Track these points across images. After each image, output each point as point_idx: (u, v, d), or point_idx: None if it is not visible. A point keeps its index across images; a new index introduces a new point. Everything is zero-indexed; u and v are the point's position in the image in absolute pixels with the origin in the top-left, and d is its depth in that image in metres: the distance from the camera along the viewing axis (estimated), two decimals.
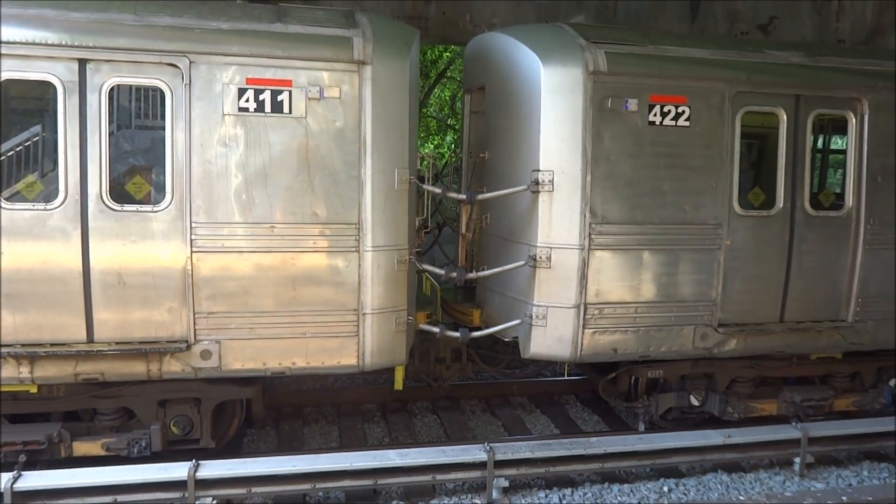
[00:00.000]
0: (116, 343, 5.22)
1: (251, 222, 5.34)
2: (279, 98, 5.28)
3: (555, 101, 5.88)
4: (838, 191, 6.85)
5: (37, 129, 5.30)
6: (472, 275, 6.41)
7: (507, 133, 6.48)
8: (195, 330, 5.31)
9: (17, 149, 5.20)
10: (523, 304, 6.17)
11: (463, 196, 6.39)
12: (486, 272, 6.36)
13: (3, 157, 5.02)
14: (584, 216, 5.90)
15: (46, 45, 4.93)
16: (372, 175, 5.49)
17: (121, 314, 5.21)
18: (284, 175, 5.36)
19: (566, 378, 8.78)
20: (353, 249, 5.54)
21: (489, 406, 8.17)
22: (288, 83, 5.30)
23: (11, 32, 4.89)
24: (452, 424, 7.54)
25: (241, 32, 5.27)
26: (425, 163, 6.59)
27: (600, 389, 7.18)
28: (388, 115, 5.54)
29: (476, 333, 6.40)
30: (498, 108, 6.70)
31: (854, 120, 6.53)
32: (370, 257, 5.57)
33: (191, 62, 5.12)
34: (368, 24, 5.61)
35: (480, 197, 6.37)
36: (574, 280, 5.97)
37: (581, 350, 6.11)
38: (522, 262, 6.03)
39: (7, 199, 4.96)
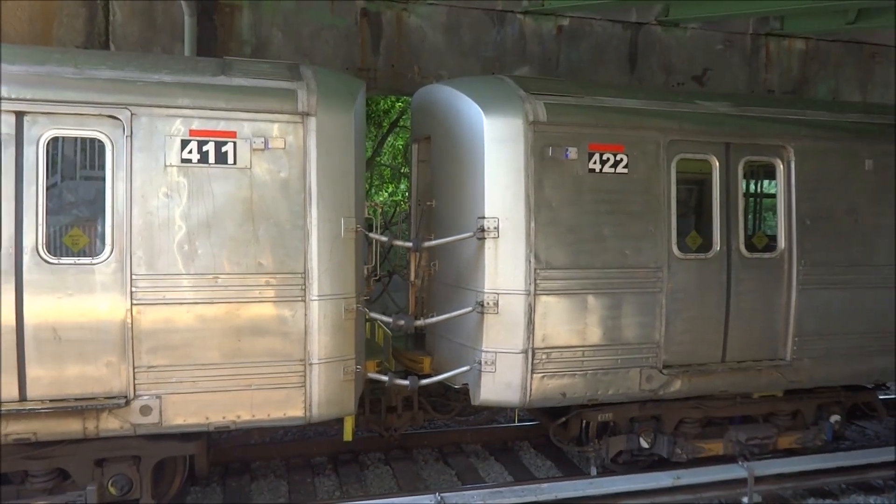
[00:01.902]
0: (51, 401, 5.03)
1: (194, 273, 5.27)
2: (223, 149, 5.30)
3: (498, 150, 6.04)
4: (771, 233, 7.14)
5: None
6: (421, 322, 6.41)
7: (453, 181, 6.61)
8: (135, 385, 5.16)
9: None
10: (472, 350, 6.19)
11: (410, 244, 6.45)
12: (435, 319, 6.37)
13: None
14: (529, 262, 6.00)
15: None
16: (318, 224, 5.51)
17: (56, 370, 5.04)
18: (229, 225, 5.34)
19: (519, 424, 8.76)
20: (300, 299, 5.51)
21: (442, 455, 8.09)
22: (232, 134, 5.33)
23: None
24: (405, 474, 7.42)
25: (185, 85, 5.30)
26: (375, 211, 6.65)
27: (552, 434, 7.19)
28: (333, 165, 5.60)
29: (425, 381, 6.38)
30: (444, 157, 6.84)
31: (781, 166, 6.86)
32: (316, 306, 5.54)
33: (132, 114, 5.11)
34: (313, 77, 5.71)
35: (427, 244, 6.44)
36: (521, 325, 6.03)
37: (530, 395, 6.13)
38: (470, 308, 6.08)
39: None
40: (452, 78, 8.39)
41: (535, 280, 6.02)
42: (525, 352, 6.05)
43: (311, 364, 5.57)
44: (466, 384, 6.32)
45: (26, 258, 4.94)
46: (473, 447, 8.32)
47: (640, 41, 10.36)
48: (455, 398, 7.70)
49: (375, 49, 9.40)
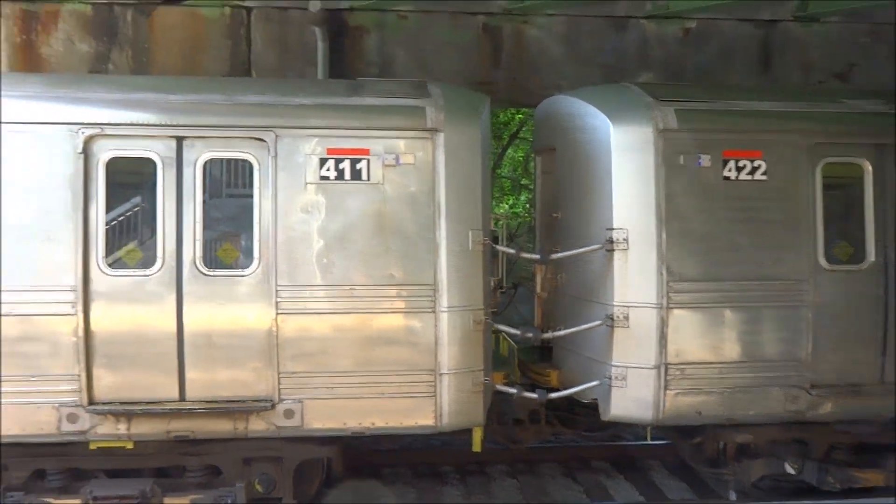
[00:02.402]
0: (206, 402, 5.45)
1: (331, 284, 5.55)
2: (358, 166, 5.55)
3: (626, 159, 5.92)
4: None
5: (137, 200, 5.73)
6: (548, 335, 6.37)
7: (579, 192, 6.53)
8: (279, 389, 5.49)
9: (120, 219, 5.63)
10: (601, 364, 6.07)
11: (536, 256, 6.43)
12: (562, 332, 6.31)
13: (107, 228, 5.45)
14: (661, 274, 5.82)
15: (147, 125, 5.41)
16: (447, 237, 5.64)
17: (210, 374, 5.47)
18: (362, 239, 5.58)
19: (649, 442, 8.45)
20: (429, 310, 5.65)
21: (569, 470, 7.95)
22: (366, 152, 5.58)
23: (116, 115, 5.41)
24: (531, 488, 7.37)
25: (322, 107, 5.64)
26: (499, 224, 6.70)
27: (685, 454, 6.89)
28: (460, 179, 5.71)
29: (554, 395, 6.33)
30: (569, 168, 6.78)
31: None
32: (446, 317, 5.66)
33: (276, 136, 5.48)
34: (440, 94, 5.87)
35: (554, 256, 6.40)
36: (653, 340, 5.85)
37: (663, 412, 5.92)
38: (599, 322, 5.97)
39: (111, 266, 5.36)
40: (572, 88, 8.32)
41: (668, 293, 5.82)
42: (658, 367, 5.85)
43: (440, 374, 5.69)
44: (595, 399, 6.19)
45: (185, 270, 5.40)
46: (601, 464, 8.12)
47: (774, 39, 9.77)
48: (582, 412, 7.56)
49: (496, 62, 9.48)
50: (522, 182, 18.01)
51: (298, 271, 5.51)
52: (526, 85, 9.51)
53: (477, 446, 6.61)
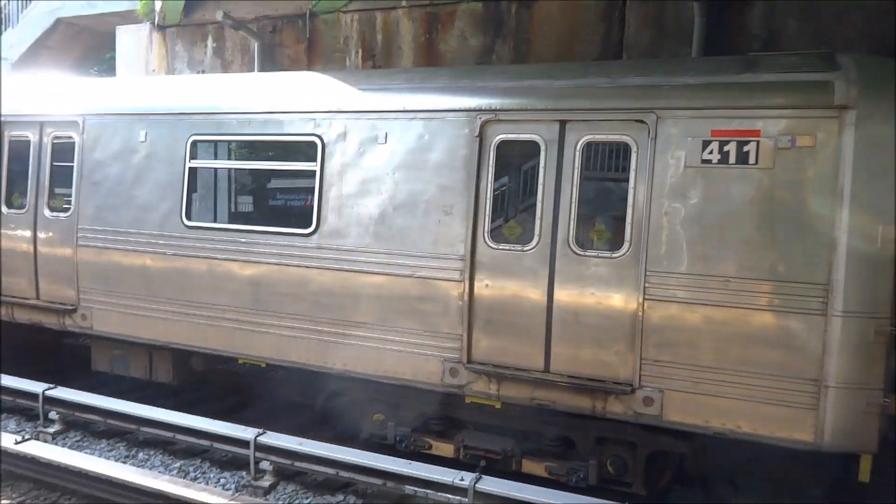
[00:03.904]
0: (568, 376, 5.66)
1: (704, 274, 5.24)
2: (745, 149, 5.12)
3: None
4: None
5: (519, 180, 6.15)
6: None
7: None
8: (640, 375, 5.42)
9: (504, 198, 6.11)
10: None
11: None
12: None
13: (493, 205, 5.97)
14: None
15: (535, 109, 5.75)
16: (849, 231, 4.88)
17: (574, 350, 5.65)
18: (744, 228, 5.14)
19: None
20: (819, 312, 4.97)
21: None
22: (756, 133, 5.10)
23: (508, 102, 5.85)
24: None
25: (709, 86, 5.30)
26: None
27: None
28: (872, 165, 4.87)
29: None
30: None
31: None
32: (839, 323, 4.92)
33: (658, 117, 5.34)
34: (853, 66, 5.06)
35: None
36: None
37: None
38: None
39: (494, 239, 5.87)
40: None
41: None
42: None
43: (826, 386, 4.99)
44: None
45: (559, 248, 5.64)
46: None
47: None
48: None
49: None
50: None
51: (670, 257, 5.33)
52: None
53: (865, 475, 5.67)
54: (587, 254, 5.58)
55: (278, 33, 11.80)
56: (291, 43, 11.72)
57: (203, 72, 12.41)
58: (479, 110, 5.88)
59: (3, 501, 5.92)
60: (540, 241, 5.70)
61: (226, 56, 12.53)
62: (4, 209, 8.23)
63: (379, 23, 10.83)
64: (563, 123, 5.65)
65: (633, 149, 5.46)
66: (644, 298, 5.38)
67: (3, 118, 8.26)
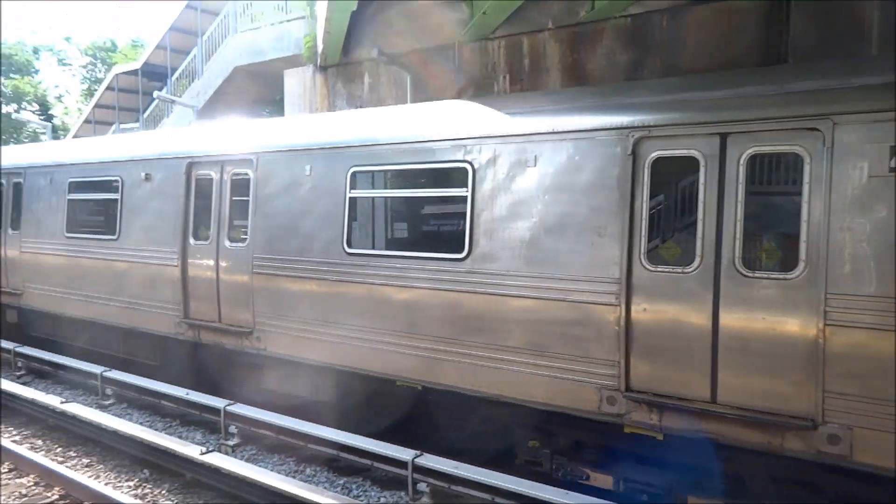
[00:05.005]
0: (737, 408, 5.24)
1: (888, 296, 4.66)
2: None
3: None
4: None
5: (676, 199, 5.84)
6: None
7: None
8: (823, 410, 4.89)
9: (660, 217, 5.83)
10: None
11: None
12: None
13: (649, 225, 5.70)
14: None
15: (691, 123, 5.45)
16: None
17: (743, 379, 5.22)
18: None
19: None
20: None
21: None
22: None
23: (662, 117, 5.60)
24: None
25: (893, 86, 4.74)
26: None
27: None
28: None
29: None
30: None
31: None
32: None
33: (834, 124, 4.86)
34: None
35: None
36: None
37: None
38: None
39: (651, 261, 5.61)
40: None
41: None
42: None
43: None
44: None
45: (723, 270, 5.27)
46: None
47: None
48: None
49: None
50: None
51: (854, 278, 4.78)
52: None
53: None
54: (755, 275, 5.16)
55: (429, 65, 12.26)
56: (441, 73, 12.12)
57: (360, 106, 13.16)
58: (632, 127, 5.69)
59: None
60: (702, 262, 5.36)
61: (381, 91, 13.21)
62: (192, 240, 9.16)
63: (525, 47, 10.91)
64: (723, 136, 5.31)
65: (806, 160, 5.00)
66: (825, 324, 4.87)
67: (191, 159, 9.24)
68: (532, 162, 6.23)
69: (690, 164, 5.49)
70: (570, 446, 6.49)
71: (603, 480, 6.21)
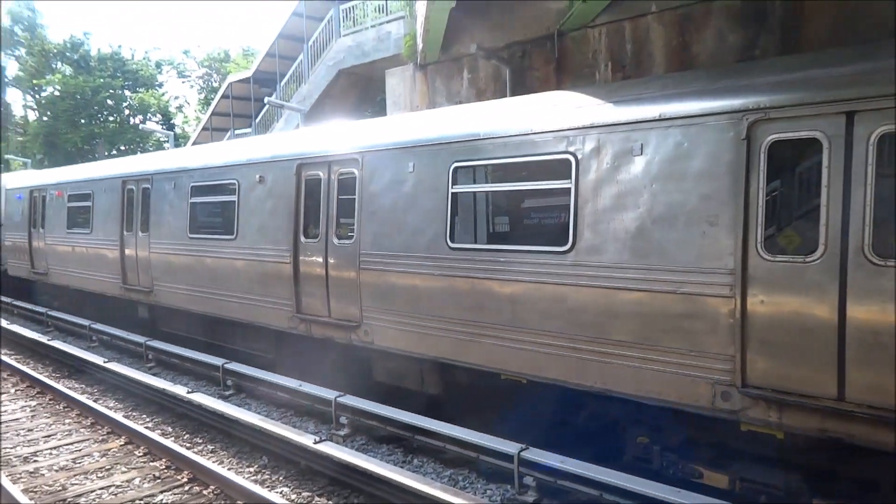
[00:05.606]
0: (868, 406, 4.87)
1: None
2: None
3: None
4: None
5: (795, 184, 5.50)
6: None
7: None
8: None
9: (778, 204, 5.50)
10: None
11: None
12: None
13: (766, 213, 5.40)
14: None
15: (813, 103, 5.11)
16: None
17: (875, 376, 4.85)
18: None
19: None
20: None
21: None
22: None
23: (780, 98, 5.28)
24: None
25: None
26: None
27: None
28: None
29: None
30: None
31: None
32: None
33: None
34: None
35: None
36: None
37: None
38: None
39: (768, 251, 5.31)
40: None
41: None
42: None
43: None
44: None
45: (851, 258, 4.91)
46: None
47: None
48: None
49: None
50: None
51: None
52: None
53: None
54: (889, 263, 4.78)
55: (527, 57, 12.16)
56: (540, 65, 12.00)
57: (460, 102, 13.25)
58: (746, 110, 5.40)
59: (303, 493, 6.80)
60: (826, 250, 5.02)
61: (480, 85, 13.24)
62: (303, 238, 9.57)
63: (628, 32, 10.59)
64: (850, 115, 4.94)
65: None
66: None
67: (301, 160, 9.65)
68: (638, 150, 6.05)
69: (812, 147, 5.15)
70: (682, 443, 6.27)
71: (717, 479, 5.96)
